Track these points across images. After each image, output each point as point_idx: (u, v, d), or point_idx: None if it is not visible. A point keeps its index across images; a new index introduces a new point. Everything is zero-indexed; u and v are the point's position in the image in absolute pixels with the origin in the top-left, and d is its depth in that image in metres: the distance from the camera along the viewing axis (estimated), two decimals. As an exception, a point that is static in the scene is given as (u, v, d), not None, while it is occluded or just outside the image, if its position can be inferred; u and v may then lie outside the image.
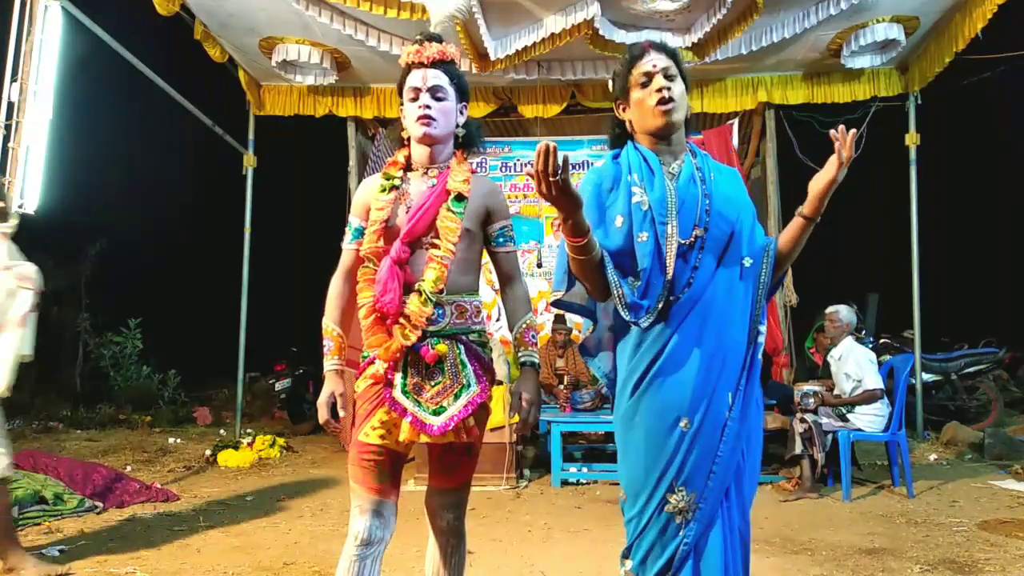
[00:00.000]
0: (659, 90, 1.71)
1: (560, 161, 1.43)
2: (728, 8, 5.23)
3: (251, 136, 7.13)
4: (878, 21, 5.64)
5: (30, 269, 3.11)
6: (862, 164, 6.81)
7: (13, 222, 3.26)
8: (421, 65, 1.93)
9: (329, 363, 1.97)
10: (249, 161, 7.10)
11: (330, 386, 1.95)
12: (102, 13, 4.96)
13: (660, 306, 1.66)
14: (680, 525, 1.63)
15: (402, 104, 1.98)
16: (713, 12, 5.36)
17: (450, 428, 1.83)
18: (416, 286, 1.87)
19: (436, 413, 1.84)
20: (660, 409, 1.66)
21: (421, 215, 1.91)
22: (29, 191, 4.29)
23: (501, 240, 2.02)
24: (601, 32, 5.45)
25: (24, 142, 4.29)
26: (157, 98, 6.07)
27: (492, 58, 5.76)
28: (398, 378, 1.86)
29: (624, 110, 1.83)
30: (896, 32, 5.66)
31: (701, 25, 5.53)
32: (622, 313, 1.67)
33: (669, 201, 1.69)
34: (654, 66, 1.74)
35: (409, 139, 2.01)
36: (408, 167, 2.01)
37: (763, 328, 1.71)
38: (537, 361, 2.00)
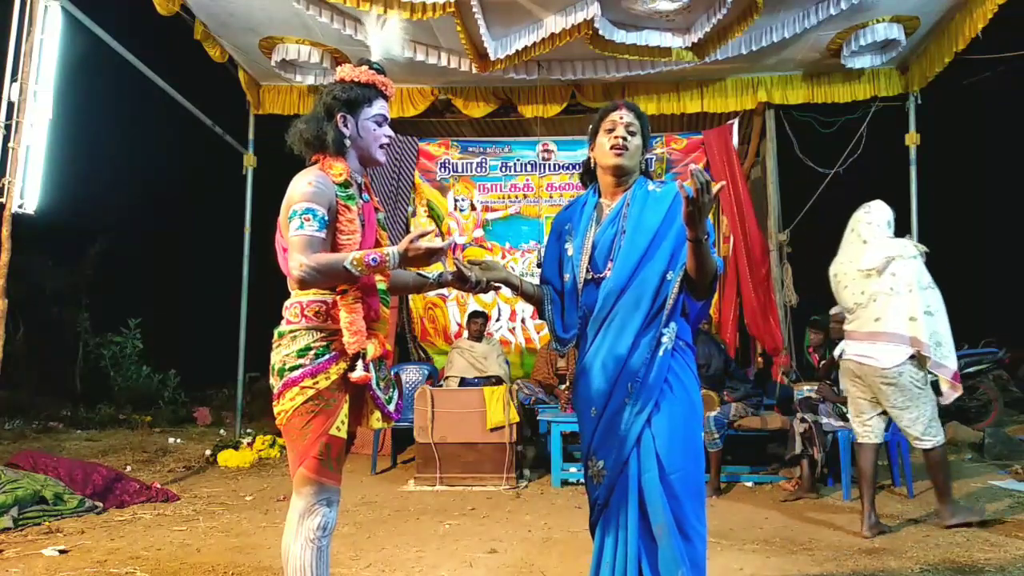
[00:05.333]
0: (617, 137, 2.14)
1: (476, 278, 2.14)
2: (728, 8, 5.23)
3: (251, 136, 7.13)
4: (878, 21, 5.64)
5: None
6: (862, 164, 6.86)
7: None
8: (386, 97, 2.13)
9: (382, 253, 1.88)
10: (249, 161, 7.10)
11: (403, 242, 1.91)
12: (102, 13, 4.95)
13: (578, 332, 2.19)
14: (597, 484, 2.12)
15: (357, 112, 2.05)
16: (713, 12, 5.36)
17: (400, 413, 2.13)
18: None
19: (388, 402, 2.10)
20: (582, 399, 2.18)
21: (372, 231, 2.09)
22: (29, 191, 4.30)
23: None
24: (601, 32, 5.45)
25: (24, 142, 4.29)
26: (157, 98, 6.08)
27: (492, 58, 5.76)
28: (373, 374, 1.99)
29: (592, 149, 2.25)
30: (896, 32, 5.65)
31: (701, 25, 5.53)
32: (552, 343, 2.26)
33: (585, 247, 2.17)
34: (620, 118, 2.16)
35: (346, 149, 2.04)
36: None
37: (667, 331, 2.06)
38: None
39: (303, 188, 1.92)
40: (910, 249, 3.79)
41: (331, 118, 2.04)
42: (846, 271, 3.93)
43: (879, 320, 3.75)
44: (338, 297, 1.95)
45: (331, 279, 1.89)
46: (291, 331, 1.95)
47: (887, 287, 3.73)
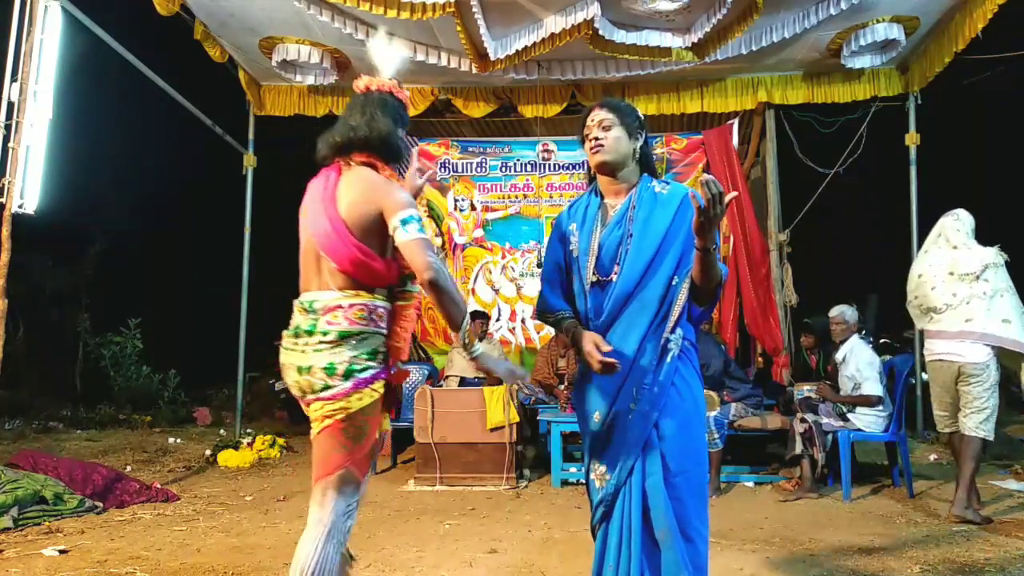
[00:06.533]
0: (591, 139, 2.14)
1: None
2: (728, 8, 5.23)
3: (251, 136, 7.13)
4: (878, 21, 5.64)
5: None
6: (862, 164, 6.86)
7: None
8: None
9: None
10: (249, 161, 7.10)
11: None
12: (102, 13, 4.96)
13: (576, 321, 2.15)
14: (599, 488, 2.10)
15: (405, 129, 2.22)
16: (713, 12, 5.36)
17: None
18: None
19: None
20: (586, 403, 2.15)
21: None
22: (29, 191, 4.30)
23: None
24: (601, 32, 5.45)
25: (24, 142, 4.29)
26: (157, 98, 6.08)
27: (492, 58, 5.76)
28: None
29: None
30: (896, 32, 5.66)
31: (701, 25, 5.53)
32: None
33: (591, 249, 2.14)
34: (592, 119, 2.16)
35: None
36: None
37: (673, 337, 2.04)
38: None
39: (405, 195, 2.03)
40: (999, 257, 4.16)
41: (400, 129, 2.17)
42: (934, 273, 4.21)
43: (970, 321, 4.05)
44: (400, 303, 2.09)
45: (448, 289, 1.98)
46: (359, 332, 1.98)
47: (981, 291, 4.06)
